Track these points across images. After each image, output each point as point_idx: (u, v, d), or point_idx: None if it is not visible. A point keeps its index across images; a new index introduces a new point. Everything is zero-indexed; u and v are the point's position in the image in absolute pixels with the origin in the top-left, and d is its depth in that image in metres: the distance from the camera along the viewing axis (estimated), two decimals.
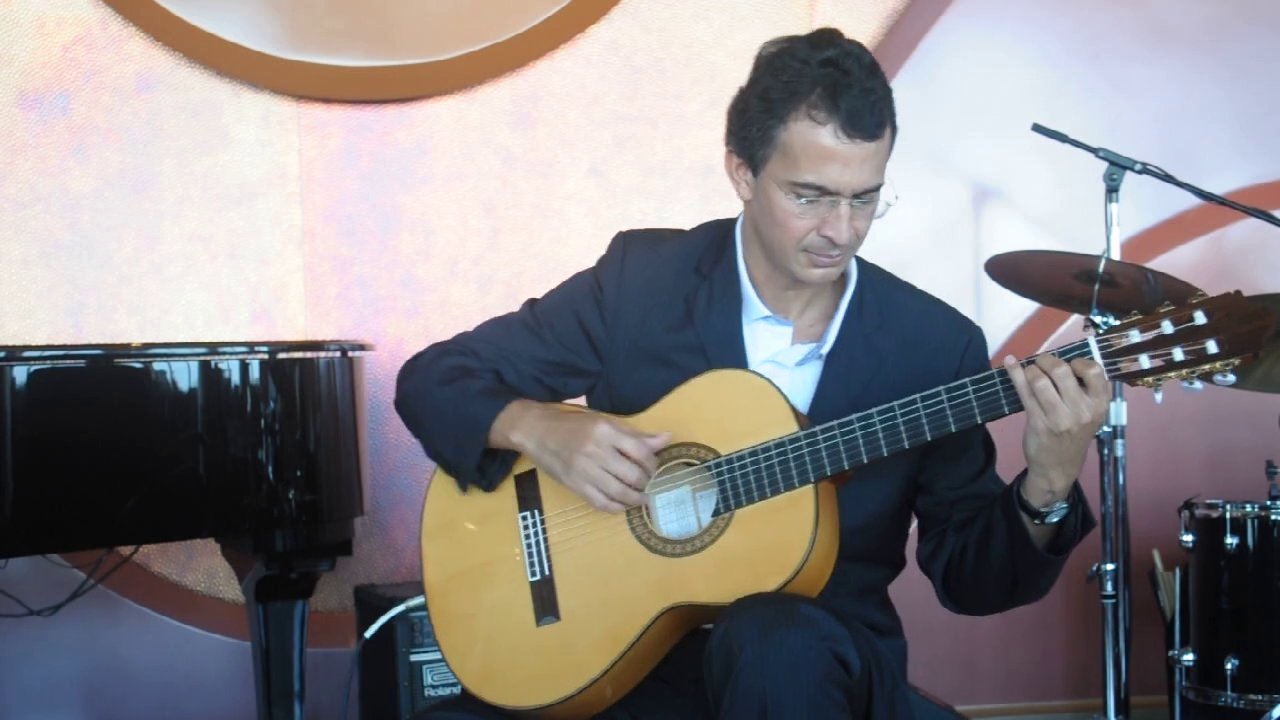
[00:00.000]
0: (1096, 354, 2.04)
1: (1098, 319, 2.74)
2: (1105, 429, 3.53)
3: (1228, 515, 3.52)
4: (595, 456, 2.14)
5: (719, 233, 2.34)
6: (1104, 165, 3.46)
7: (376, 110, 4.14)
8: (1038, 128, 3.55)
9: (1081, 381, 2.02)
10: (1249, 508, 3.52)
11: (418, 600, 2.46)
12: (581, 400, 2.40)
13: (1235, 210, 3.51)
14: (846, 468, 2.12)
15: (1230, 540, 3.51)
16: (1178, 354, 2.01)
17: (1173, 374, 2.02)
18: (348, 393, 3.46)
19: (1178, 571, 3.78)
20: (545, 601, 2.22)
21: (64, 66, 4.02)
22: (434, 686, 3.58)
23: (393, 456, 4.09)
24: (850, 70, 2.10)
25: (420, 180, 4.17)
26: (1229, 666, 3.49)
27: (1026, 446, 2.08)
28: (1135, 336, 2.03)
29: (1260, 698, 3.45)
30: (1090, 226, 3.62)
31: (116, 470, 3.09)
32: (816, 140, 2.10)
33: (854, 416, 2.12)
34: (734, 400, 2.19)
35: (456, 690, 2.31)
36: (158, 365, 3.14)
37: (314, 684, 3.54)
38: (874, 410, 2.12)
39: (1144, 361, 2.02)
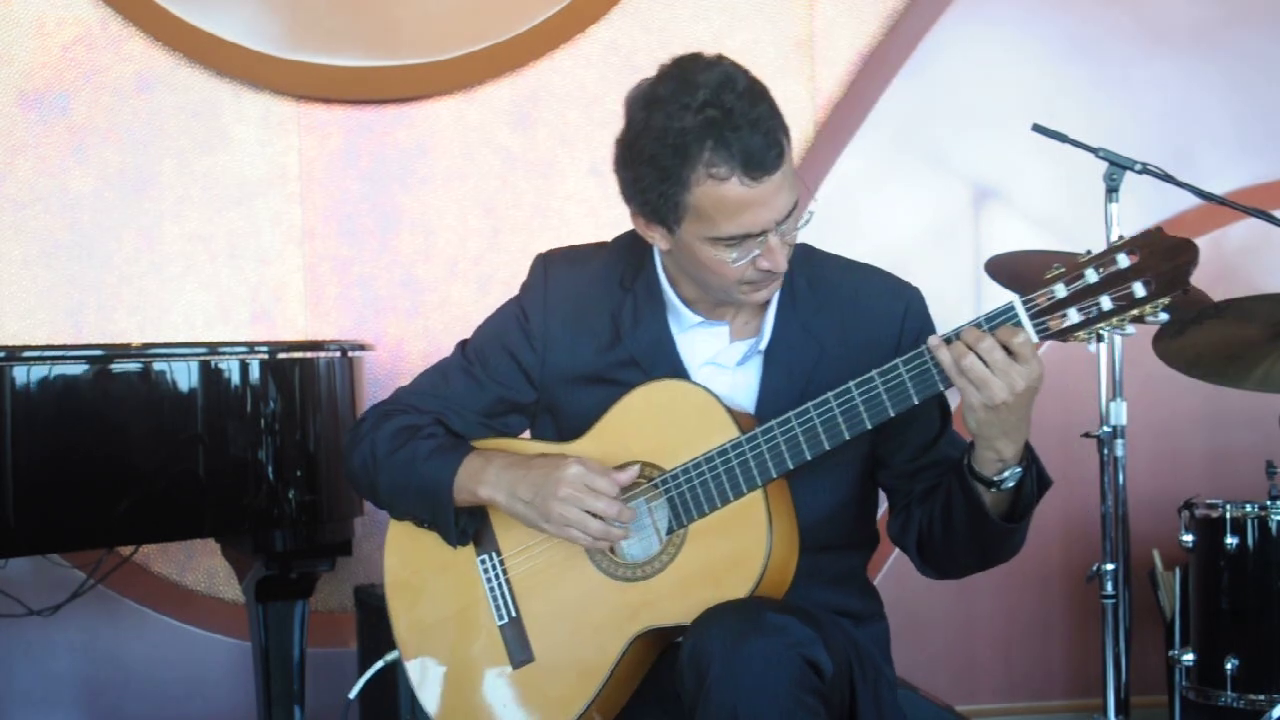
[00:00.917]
0: (1023, 315, 1.95)
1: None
2: (1105, 429, 3.53)
3: (1228, 515, 3.51)
4: (571, 499, 2.11)
5: (636, 243, 2.26)
6: (1104, 165, 3.45)
7: (376, 110, 4.15)
8: (1038, 128, 3.54)
9: (1009, 350, 1.95)
10: (1249, 508, 3.51)
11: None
12: (526, 433, 2.35)
13: (1235, 210, 3.50)
14: (791, 468, 2.08)
15: (1230, 540, 3.51)
16: (1106, 302, 1.91)
17: (1104, 324, 1.92)
18: (348, 393, 3.46)
19: (1178, 571, 3.77)
20: (518, 644, 2.20)
21: (64, 66, 4.02)
22: None
23: None
24: (730, 107, 2.01)
25: (420, 180, 4.17)
26: (1229, 666, 3.49)
27: (966, 422, 2.02)
28: (1061, 291, 1.94)
29: (1260, 698, 3.45)
30: (1090, 226, 3.61)
31: (116, 470, 3.09)
32: (724, 196, 2.02)
33: (791, 414, 2.07)
34: (670, 412, 2.14)
35: None
36: (158, 365, 3.15)
37: (314, 684, 3.53)
38: (810, 405, 2.06)
39: (1073, 316, 1.93)
